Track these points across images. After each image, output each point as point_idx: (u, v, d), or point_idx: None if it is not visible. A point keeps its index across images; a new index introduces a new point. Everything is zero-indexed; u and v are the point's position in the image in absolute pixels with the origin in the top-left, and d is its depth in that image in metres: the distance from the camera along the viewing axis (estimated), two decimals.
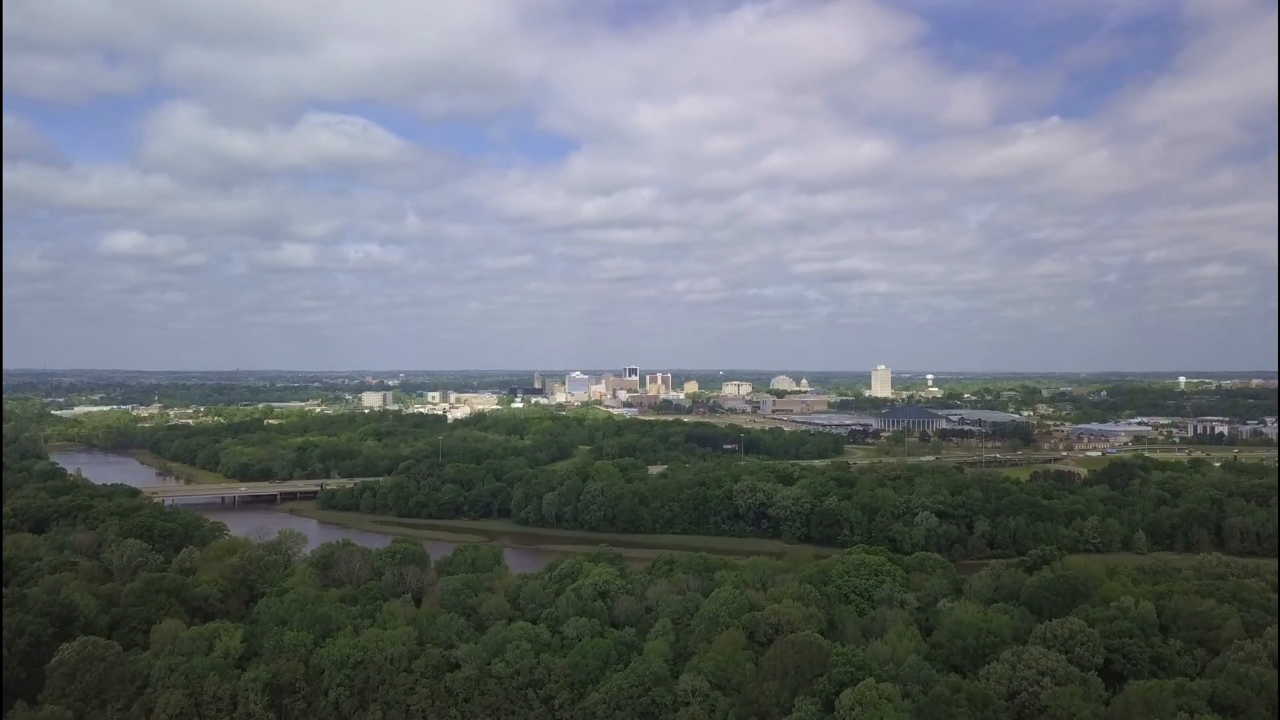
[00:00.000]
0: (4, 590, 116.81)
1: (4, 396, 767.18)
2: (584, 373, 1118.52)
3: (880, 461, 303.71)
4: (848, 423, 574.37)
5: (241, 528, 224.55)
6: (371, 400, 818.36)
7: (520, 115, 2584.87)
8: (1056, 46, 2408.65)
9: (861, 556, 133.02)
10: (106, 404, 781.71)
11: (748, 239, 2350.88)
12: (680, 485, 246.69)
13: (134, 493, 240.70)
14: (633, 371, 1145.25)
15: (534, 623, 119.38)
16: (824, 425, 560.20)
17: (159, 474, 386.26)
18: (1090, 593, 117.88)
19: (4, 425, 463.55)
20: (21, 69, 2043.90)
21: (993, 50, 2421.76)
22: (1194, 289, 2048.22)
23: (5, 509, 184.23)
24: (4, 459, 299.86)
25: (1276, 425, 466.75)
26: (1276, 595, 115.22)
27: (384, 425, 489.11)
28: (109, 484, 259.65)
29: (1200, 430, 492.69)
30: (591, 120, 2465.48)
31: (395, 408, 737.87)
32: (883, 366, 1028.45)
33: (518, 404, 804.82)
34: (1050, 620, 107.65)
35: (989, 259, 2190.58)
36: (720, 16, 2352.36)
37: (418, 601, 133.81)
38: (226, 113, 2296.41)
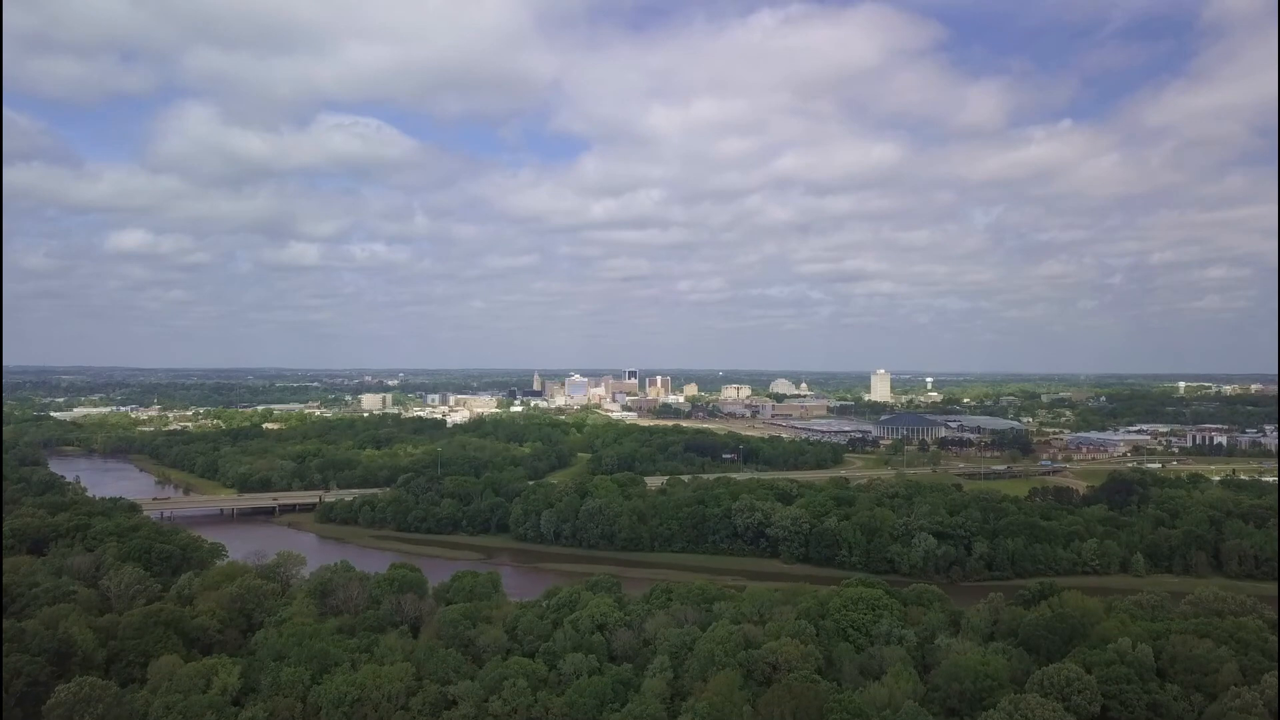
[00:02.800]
0: (4, 625, 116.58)
1: (5, 399, 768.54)
2: (584, 374, 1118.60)
3: (878, 478, 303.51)
4: (847, 429, 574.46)
5: (240, 544, 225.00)
6: (371, 403, 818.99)
7: (533, 116, 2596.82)
8: (1074, 50, 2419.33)
9: (859, 590, 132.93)
10: (106, 405, 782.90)
11: (754, 239, 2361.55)
12: (679, 503, 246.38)
13: (133, 508, 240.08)
14: (632, 374, 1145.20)
15: (531, 657, 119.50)
16: (823, 432, 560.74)
17: (158, 482, 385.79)
18: (1088, 631, 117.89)
19: (4, 429, 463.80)
20: (39, 70, 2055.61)
21: (1010, 54, 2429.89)
22: (1198, 290, 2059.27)
23: (5, 530, 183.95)
24: (4, 470, 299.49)
25: (1276, 438, 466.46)
26: (1276, 636, 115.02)
27: (383, 431, 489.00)
28: (108, 497, 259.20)
29: (1199, 440, 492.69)
30: (604, 121, 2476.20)
31: (395, 410, 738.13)
32: (882, 370, 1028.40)
33: (517, 407, 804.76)
34: (1048, 663, 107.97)
35: (994, 260, 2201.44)
36: (738, 20, 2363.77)
37: (415, 631, 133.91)
38: (241, 113, 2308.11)
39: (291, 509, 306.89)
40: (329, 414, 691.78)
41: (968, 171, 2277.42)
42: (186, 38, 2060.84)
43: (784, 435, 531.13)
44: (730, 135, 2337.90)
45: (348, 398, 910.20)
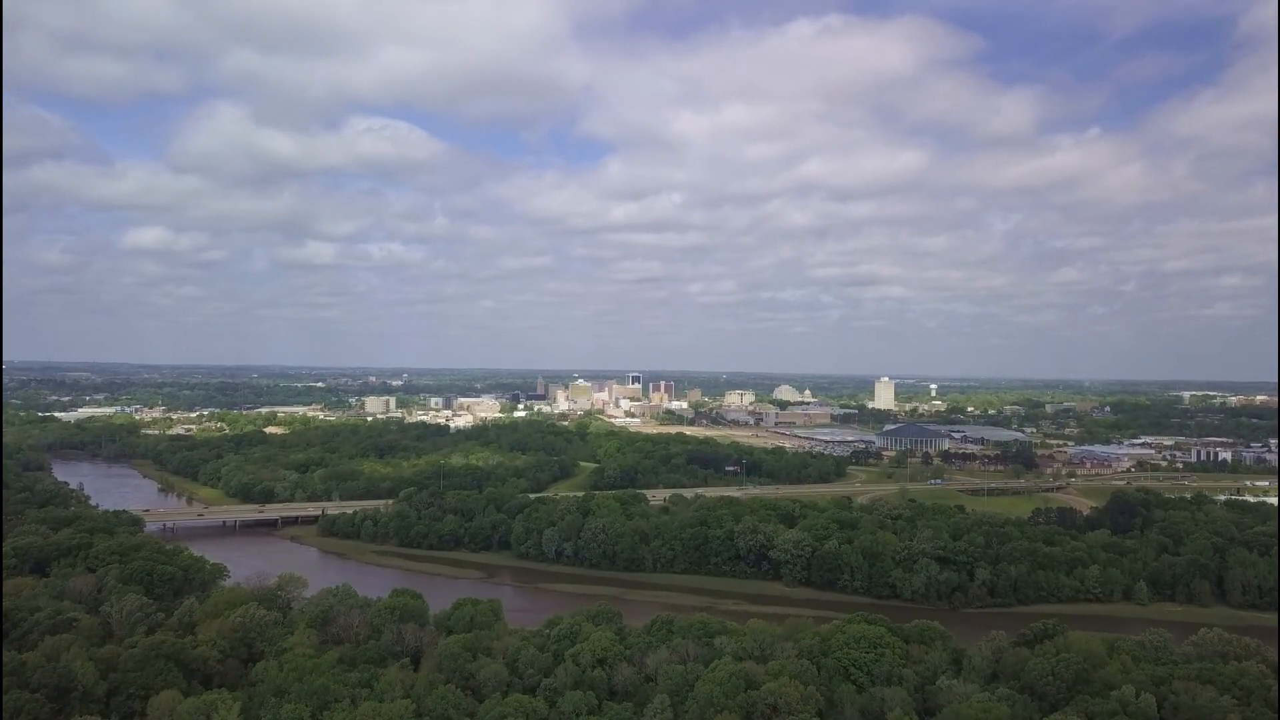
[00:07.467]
0: (4, 658, 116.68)
1: (11, 397, 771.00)
2: (587, 377, 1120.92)
3: (881, 497, 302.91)
4: (850, 439, 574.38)
5: (242, 559, 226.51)
6: (374, 406, 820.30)
7: (561, 119, 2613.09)
8: (1111, 61, 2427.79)
9: (862, 627, 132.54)
10: (111, 404, 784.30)
11: (771, 243, 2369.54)
12: (681, 524, 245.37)
13: (135, 522, 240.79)
14: (636, 378, 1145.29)
15: (532, 692, 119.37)
16: (826, 442, 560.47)
17: (161, 490, 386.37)
18: (1090, 675, 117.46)
19: (10, 432, 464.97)
20: (78, 69, 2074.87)
21: (1047, 64, 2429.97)
22: (1208, 298, 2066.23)
23: (7, 549, 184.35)
24: (8, 478, 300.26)
25: (1278, 455, 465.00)
26: (1277, 683, 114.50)
27: (386, 439, 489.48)
28: (111, 510, 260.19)
29: (1203, 456, 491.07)
30: (632, 126, 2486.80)
31: (398, 414, 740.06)
32: (886, 378, 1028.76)
33: (520, 411, 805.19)
34: (1051, 710, 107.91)
35: (1009, 266, 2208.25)
36: (774, 29, 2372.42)
37: (416, 662, 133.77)
38: (273, 113, 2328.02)
39: (294, 521, 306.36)
40: (332, 417, 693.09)
41: (991, 179, 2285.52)
42: (226, 39, 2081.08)
43: (787, 445, 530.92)
44: (757, 141, 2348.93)
45: (351, 400, 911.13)
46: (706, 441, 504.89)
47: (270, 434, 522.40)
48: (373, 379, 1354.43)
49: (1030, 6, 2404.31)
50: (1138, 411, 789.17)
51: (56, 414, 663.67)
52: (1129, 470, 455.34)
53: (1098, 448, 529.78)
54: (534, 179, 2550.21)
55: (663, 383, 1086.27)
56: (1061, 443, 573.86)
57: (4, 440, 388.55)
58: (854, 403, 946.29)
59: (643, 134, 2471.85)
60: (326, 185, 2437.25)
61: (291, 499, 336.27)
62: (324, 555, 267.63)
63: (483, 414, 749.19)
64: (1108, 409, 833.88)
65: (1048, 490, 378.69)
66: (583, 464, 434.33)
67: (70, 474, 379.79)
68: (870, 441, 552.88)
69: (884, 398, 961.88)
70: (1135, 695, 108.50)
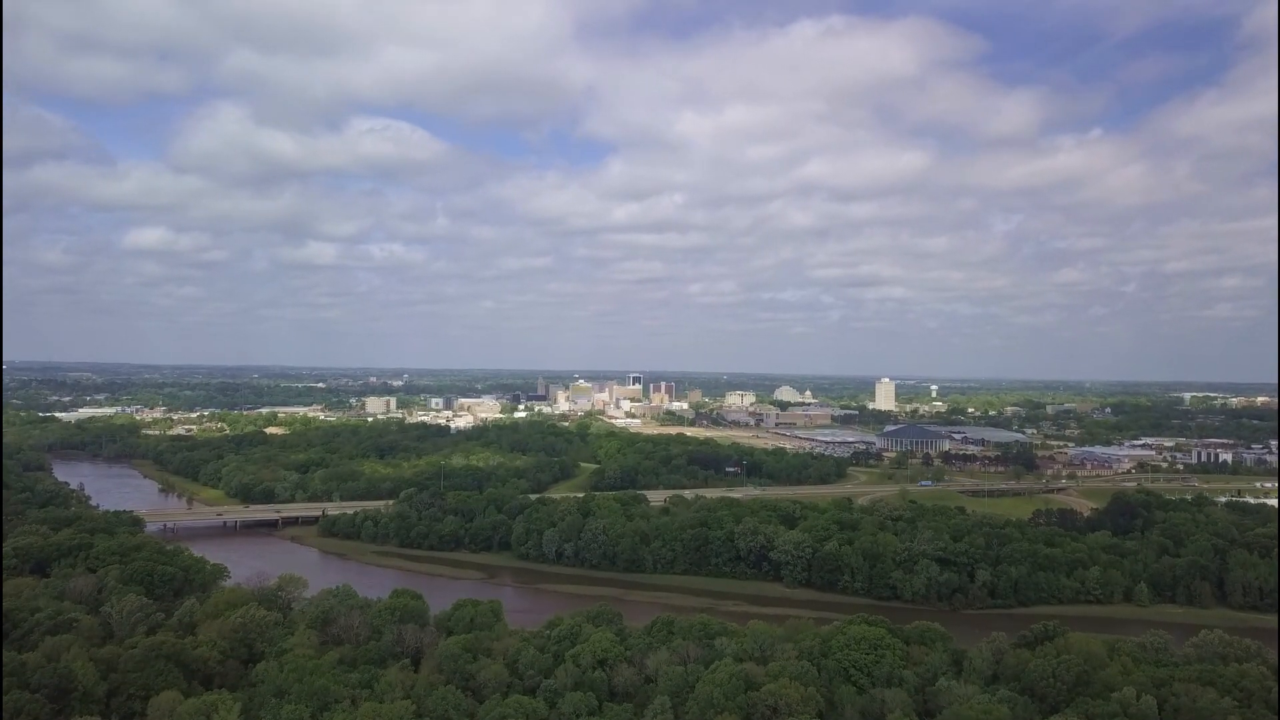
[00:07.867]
0: (4, 659, 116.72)
1: (12, 397, 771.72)
2: (588, 378, 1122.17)
3: (882, 498, 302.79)
4: (850, 440, 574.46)
5: (242, 559, 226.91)
6: (375, 406, 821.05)
7: (563, 120, 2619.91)
8: (1114, 62, 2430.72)
9: (862, 629, 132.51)
10: (111, 405, 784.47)
11: (772, 243, 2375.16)
12: (682, 525, 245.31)
13: (135, 523, 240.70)
14: (636, 379, 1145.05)
15: (532, 693, 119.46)
16: (827, 442, 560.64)
17: (161, 490, 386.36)
18: (1091, 677, 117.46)
19: (11, 431, 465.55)
20: (80, 70, 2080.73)
21: (1050, 65, 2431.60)
22: (1209, 299, 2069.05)
23: (7, 550, 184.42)
24: (8, 479, 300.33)
25: (1278, 457, 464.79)
26: (1277, 684, 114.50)
27: (386, 439, 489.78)
28: (111, 510, 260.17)
29: (1204, 457, 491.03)
30: (634, 126, 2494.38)
31: (399, 415, 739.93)
32: (886, 379, 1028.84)
33: (520, 412, 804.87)
34: (1052, 712, 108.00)
35: (1010, 267, 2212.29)
36: (777, 30, 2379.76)
37: (416, 663, 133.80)
38: (274, 114, 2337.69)
39: (294, 521, 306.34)
40: (333, 418, 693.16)
41: (993, 179, 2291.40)
42: (227, 39, 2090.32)
43: (787, 446, 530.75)
44: (759, 142, 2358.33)
45: (352, 400, 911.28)
46: (707, 442, 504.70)
47: (271, 434, 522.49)
48: (373, 379, 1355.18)
49: (1032, 7, 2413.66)
50: (1138, 413, 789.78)
51: (57, 414, 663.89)
52: (1129, 471, 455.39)
53: (1098, 449, 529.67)
54: (535, 179, 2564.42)
55: (663, 383, 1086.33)
56: (1062, 444, 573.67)
57: (4, 440, 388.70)
58: (855, 404, 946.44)
59: (644, 134, 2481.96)
60: (328, 186, 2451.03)
61: (292, 499, 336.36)
62: (324, 556, 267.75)
63: (483, 414, 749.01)
64: (1108, 410, 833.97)
65: (1048, 491, 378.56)
66: (583, 465, 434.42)
67: (70, 474, 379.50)
68: (871, 443, 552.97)
69: (884, 399, 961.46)
70: (1136, 697, 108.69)
